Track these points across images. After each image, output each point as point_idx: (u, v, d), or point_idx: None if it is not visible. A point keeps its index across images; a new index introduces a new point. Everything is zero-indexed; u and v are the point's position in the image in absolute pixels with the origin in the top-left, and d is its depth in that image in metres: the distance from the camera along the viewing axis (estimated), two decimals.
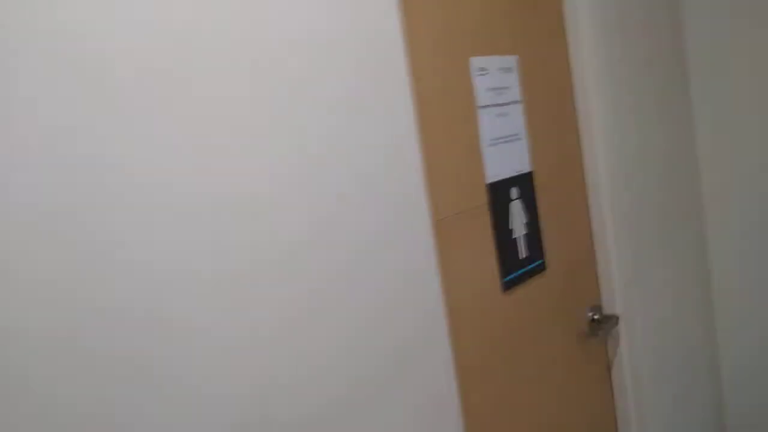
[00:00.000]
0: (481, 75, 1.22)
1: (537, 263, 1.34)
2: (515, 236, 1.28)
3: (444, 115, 1.13)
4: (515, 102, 1.31)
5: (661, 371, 1.70)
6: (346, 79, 0.87)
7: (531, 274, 1.33)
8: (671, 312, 1.78)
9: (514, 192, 1.29)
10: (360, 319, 0.88)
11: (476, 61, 1.21)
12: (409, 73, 1.01)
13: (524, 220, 1.31)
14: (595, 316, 1.54)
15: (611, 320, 1.54)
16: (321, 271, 0.83)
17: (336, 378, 0.85)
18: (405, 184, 0.96)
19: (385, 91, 0.92)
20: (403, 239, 0.95)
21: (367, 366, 0.89)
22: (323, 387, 0.83)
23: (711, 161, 1.98)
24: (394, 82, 0.94)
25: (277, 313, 0.78)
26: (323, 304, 0.83)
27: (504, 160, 1.27)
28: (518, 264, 1.29)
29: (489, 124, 1.23)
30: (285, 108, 0.80)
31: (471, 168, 1.19)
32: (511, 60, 1.31)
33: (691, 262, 1.92)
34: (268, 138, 0.78)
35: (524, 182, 1.32)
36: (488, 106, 1.23)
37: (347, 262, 0.87)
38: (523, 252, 1.30)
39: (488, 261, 1.22)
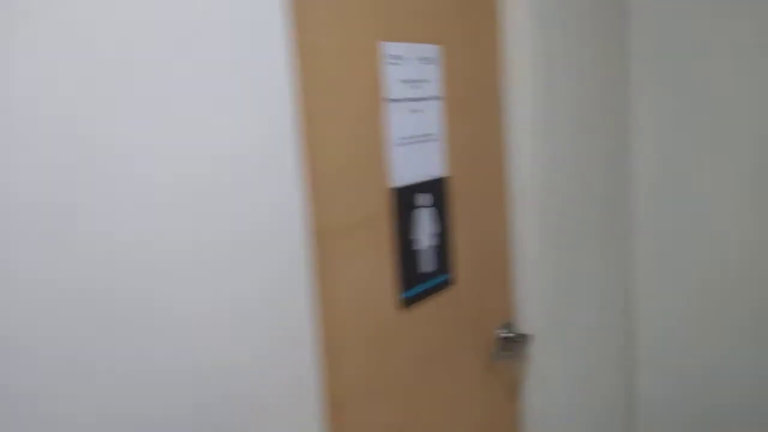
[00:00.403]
0: (395, 64, 1.07)
1: (443, 278, 1.22)
2: (419, 248, 1.15)
3: (342, 107, 0.98)
4: (434, 98, 1.17)
5: (574, 395, 1.62)
6: (201, 51, 0.71)
7: (435, 289, 1.20)
8: (591, 331, 1.70)
9: (422, 199, 1.15)
10: (203, 336, 0.73)
11: (389, 47, 1.06)
12: (294, 51, 0.85)
13: (432, 231, 1.18)
14: (507, 335, 1.44)
15: (523, 339, 1.44)
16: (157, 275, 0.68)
17: (170, 407, 0.70)
18: (276, 184, 0.81)
19: (254, 69, 0.76)
20: (267, 248, 0.80)
21: (212, 395, 0.74)
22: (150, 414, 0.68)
23: (643, 172, 1.91)
24: (269, 58, 0.78)
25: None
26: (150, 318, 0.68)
27: (414, 163, 1.13)
28: (420, 278, 1.16)
29: (399, 121, 1.09)
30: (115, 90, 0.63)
31: (373, 169, 1.04)
32: (432, 49, 1.17)
33: (616, 279, 1.85)
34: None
35: (436, 188, 1.18)
36: (400, 100, 1.09)
37: (196, 274, 0.71)
38: (427, 265, 1.17)
39: (386, 275, 1.08)
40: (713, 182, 1.81)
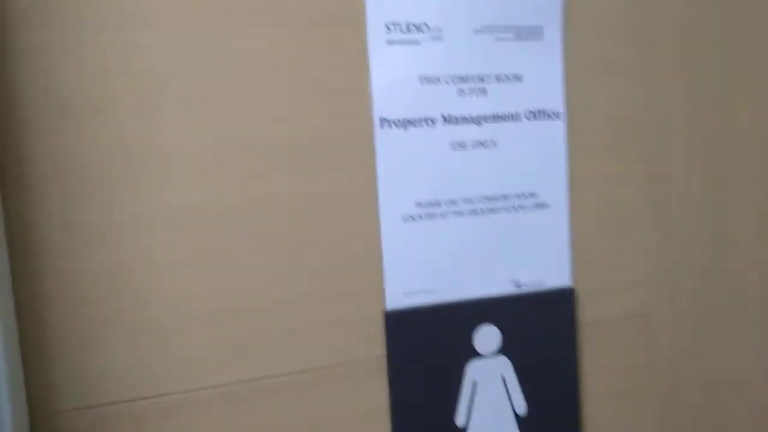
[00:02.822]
0: (410, 42, 0.49)
1: None
2: None
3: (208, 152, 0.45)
4: (541, 114, 0.52)
5: None
6: None
7: None
8: None
9: (485, 336, 0.51)
10: None
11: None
12: None
13: (518, 407, 0.52)
14: None
15: None
16: None
17: None
18: None
19: None
20: None
21: None
22: None
23: None
24: None
25: None
26: None
27: (455, 260, 0.50)
28: None
29: (415, 162, 0.49)
30: None
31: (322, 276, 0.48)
32: None
33: None
34: None
35: (534, 313, 0.52)
36: (425, 121, 0.49)
37: None
38: None
39: None
40: None
